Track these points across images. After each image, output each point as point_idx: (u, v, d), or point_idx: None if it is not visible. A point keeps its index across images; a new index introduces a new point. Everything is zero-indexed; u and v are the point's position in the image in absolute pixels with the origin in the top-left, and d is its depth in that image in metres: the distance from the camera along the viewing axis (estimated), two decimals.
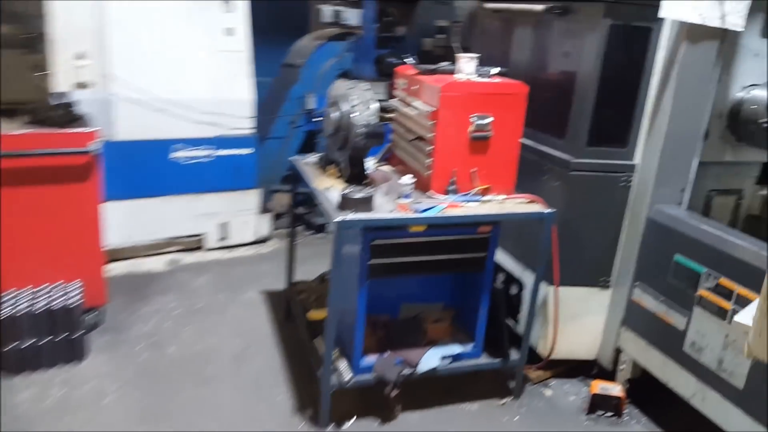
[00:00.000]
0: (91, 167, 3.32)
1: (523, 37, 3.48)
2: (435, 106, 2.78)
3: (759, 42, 2.95)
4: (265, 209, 5.10)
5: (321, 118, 5.09)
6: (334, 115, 3.05)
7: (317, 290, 3.62)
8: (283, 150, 5.26)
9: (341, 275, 2.69)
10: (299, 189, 3.74)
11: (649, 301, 2.90)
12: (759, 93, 2.94)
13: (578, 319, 3.16)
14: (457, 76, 2.89)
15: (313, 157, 3.50)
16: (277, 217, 5.46)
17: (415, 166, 3.04)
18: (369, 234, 2.73)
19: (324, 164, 3.32)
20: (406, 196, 2.83)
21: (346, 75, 5.28)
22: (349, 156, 3.03)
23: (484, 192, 2.90)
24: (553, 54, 3.35)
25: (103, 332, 3.57)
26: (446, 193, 2.86)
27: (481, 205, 2.84)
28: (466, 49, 3.11)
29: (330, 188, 2.99)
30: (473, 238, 2.89)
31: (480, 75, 2.91)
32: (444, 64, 3.03)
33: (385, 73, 5.30)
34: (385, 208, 2.72)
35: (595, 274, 3.13)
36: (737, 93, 3.00)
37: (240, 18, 4.62)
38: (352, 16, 5.13)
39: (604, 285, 3.14)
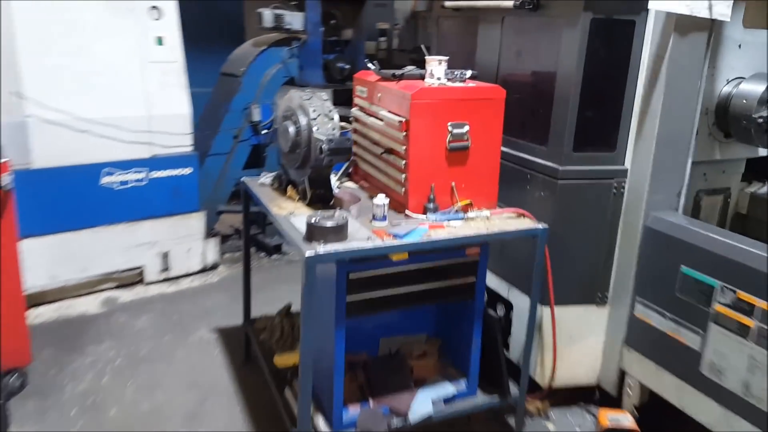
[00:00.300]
0: (4, 204, 2.85)
1: (491, 37, 3.21)
2: (405, 115, 2.49)
3: (742, 32, 2.80)
4: (210, 233, 4.65)
5: (268, 131, 4.75)
6: (291, 129, 2.68)
7: (280, 327, 3.21)
8: (227, 167, 4.87)
9: (313, 316, 2.31)
10: (251, 209, 3.34)
11: (654, 318, 2.65)
12: (748, 87, 2.78)
13: (575, 341, 2.90)
14: (428, 81, 2.60)
15: (267, 177, 3.10)
16: (224, 239, 5.02)
17: (386, 182, 2.72)
18: (344, 266, 2.37)
19: (281, 185, 2.93)
20: (381, 219, 2.50)
21: (291, 82, 4.94)
22: (312, 176, 2.67)
23: (466, 208, 2.61)
24: (526, 54, 3.10)
25: (29, 397, 3.05)
26: (425, 211, 2.56)
27: (467, 224, 2.53)
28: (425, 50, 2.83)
29: (292, 213, 2.62)
30: (461, 262, 2.57)
31: (451, 79, 2.63)
32: (410, 68, 2.74)
33: (334, 79, 5.01)
34: (360, 235, 2.36)
35: (590, 290, 2.87)
36: (724, 87, 2.84)
37: (170, 25, 4.20)
38: (294, 20, 4.81)
39: (601, 302, 2.89)
